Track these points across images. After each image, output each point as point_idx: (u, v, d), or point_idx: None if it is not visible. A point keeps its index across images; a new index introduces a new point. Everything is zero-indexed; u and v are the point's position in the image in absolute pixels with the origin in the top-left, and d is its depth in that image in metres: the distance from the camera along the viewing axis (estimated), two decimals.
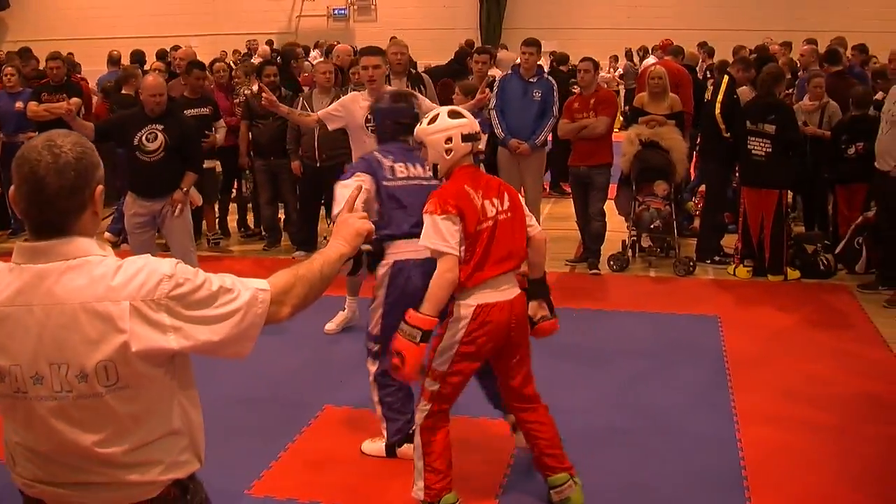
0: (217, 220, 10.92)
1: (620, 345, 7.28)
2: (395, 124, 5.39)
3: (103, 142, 7.73)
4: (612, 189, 9.52)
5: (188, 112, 9.30)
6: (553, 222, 11.04)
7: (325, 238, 10.04)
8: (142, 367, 2.34)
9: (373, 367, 5.22)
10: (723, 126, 9.24)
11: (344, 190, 4.75)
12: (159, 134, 7.58)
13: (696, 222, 10.42)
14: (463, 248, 4.38)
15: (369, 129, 6.90)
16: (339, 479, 5.17)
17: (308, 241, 10.04)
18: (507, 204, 4.54)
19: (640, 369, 6.76)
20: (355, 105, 7.14)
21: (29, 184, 2.34)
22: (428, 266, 4.52)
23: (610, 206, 9.52)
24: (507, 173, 9.15)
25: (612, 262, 9.37)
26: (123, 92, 10.64)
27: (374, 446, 5.41)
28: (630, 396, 6.28)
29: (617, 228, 9.78)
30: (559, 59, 14.83)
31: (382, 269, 5.03)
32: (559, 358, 6.74)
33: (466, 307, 4.43)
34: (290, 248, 10.38)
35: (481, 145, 4.71)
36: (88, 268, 2.35)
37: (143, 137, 7.58)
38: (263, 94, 7.62)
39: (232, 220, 11.34)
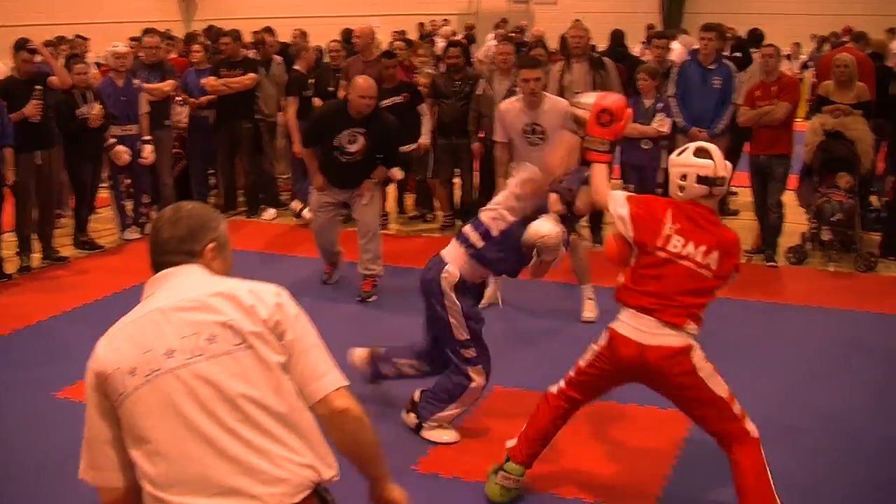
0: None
1: (795, 340, 7.10)
2: None
3: (315, 147, 7.84)
4: (791, 180, 9.27)
5: (384, 103, 9.39)
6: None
7: None
8: None
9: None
10: None
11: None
12: (360, 137, 7.60)
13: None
14: (634, 254, 4.39)
15: (527, 139, 7.17)
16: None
17: None
18: (708, 260, 4.26)
19: (814, 367, 6.58)
20: (511, 115, 7.35)
21: (153, 230, 2.82)
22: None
23: (788, 198, 9.28)
24: None
25: (790, 255, 9.13)
26: (296, 68, 10.87)
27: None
28: (804, 395, 6.12)
29: (797, 220, 9.51)
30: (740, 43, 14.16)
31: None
32: (731, 351, 6.62)
33: (608, 329, 4.46)
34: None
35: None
36: None
37: (345, 139, 7.60)
38: None
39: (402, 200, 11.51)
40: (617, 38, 12.70)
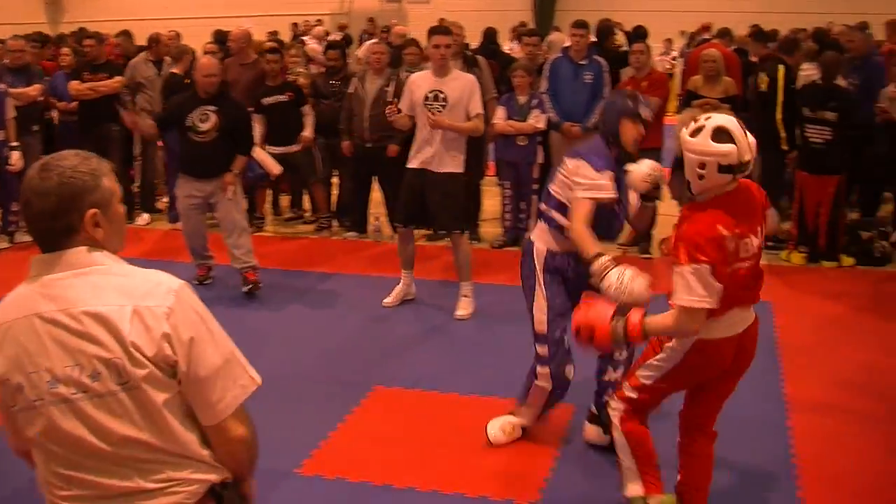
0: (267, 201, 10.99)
1: None
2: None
3: (166, 131, 7.94)
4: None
5: (267, 100, 9.62)
6: None
7: (376, 219, 10.08)
8: None
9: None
10: (783, 135, 9.08)
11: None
12: (211, 115, 7.74)
13: None
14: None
15: (427, 107, 7.11)
16: (389, 459, 5.21)
17: (358, 223, 10.08)
18: (761, 238, 3.94)
19: None
20: (416, 84, 7.29)
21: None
22: None
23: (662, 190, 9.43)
24: (560, 156, 9.10)
25: (663, 246, 9.29)
26: (174, 70, 10.71)
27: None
28: None
29: (670, 212, 9.68)
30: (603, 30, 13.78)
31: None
32: None
33: (695, 342, 4.00)
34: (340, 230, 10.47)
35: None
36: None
37: (196, 118, 7.74)
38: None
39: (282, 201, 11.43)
40: (489, 36, 12.82)
